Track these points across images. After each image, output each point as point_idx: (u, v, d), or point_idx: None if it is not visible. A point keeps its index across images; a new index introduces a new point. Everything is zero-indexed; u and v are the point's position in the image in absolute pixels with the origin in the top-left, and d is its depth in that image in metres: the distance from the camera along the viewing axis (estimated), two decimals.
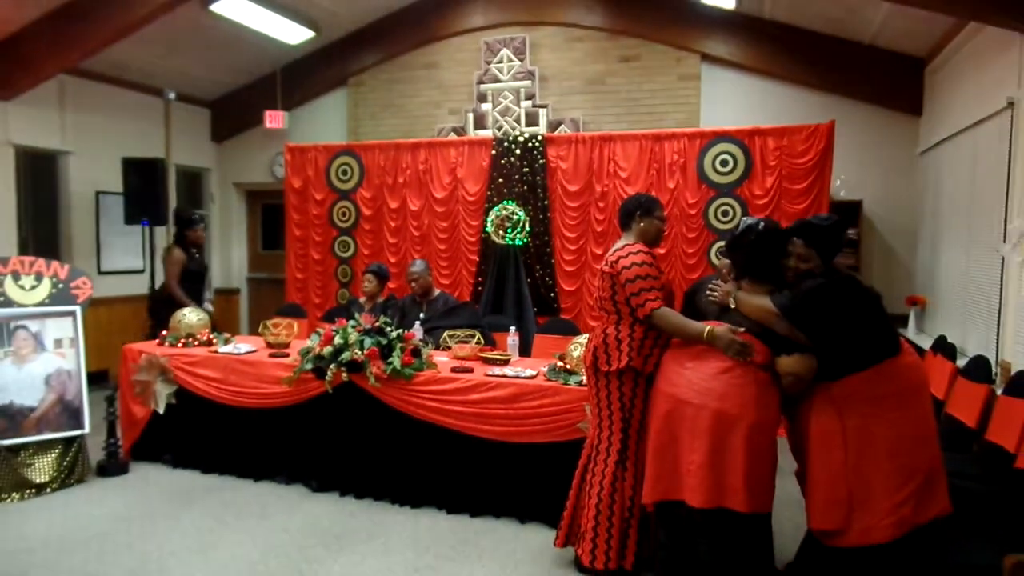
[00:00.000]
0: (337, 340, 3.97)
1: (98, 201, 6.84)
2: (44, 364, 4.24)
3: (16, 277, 4.28)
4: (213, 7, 5.96)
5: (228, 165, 8.35)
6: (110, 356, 5.70)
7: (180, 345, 4.60)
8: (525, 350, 4.95)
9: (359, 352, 3.89)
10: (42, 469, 4.11)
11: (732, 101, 6.55)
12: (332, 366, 3.91)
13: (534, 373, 3.84)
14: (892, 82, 6.17)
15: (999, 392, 3.53)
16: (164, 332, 4.76)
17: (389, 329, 4.08)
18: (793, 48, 6.34)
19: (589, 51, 6.91)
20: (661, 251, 5.52)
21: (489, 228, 6.15)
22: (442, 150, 6.47)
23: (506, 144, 6.19)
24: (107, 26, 5.50)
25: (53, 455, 4.16)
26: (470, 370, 3.93)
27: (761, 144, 5.58)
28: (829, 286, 2.64)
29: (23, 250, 6.14)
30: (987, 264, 4.45)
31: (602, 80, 6.88)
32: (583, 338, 3.81)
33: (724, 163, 5.65)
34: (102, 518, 3.75)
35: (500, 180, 6.20)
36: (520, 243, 6.07)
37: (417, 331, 4.62)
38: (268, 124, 7.41)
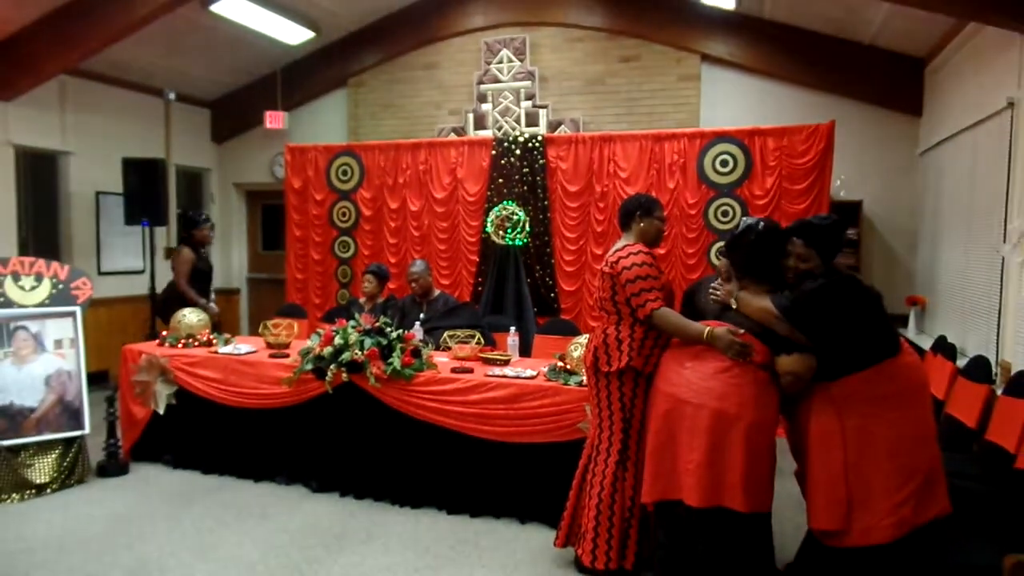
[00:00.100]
0: (337, 340, 3.97)
1: (98, 201, 6.84)
2: (44, 365, 4.24)
3: (16, 278, 4.28)
4: (213, 7, 5.96)
5: (228, 165, 8.35)
6: (110, 356, 5.70)
7: (180, 345, 4.60)
8: (525, 350, 4.95)
9: (359, 352, 3.89)
10: (42, 470, 4.11)
11: (732, 101, 6.56)
12: (332, 366, 3.91)
13: (534, 373, 3.84)
14: (892, 82, 6.17)
15: (999, 392, 3.53)
16: (164, 332, 4.77)
17: (389, 329, 4.08)
18: (793, 48, 6.34)
19: (589, 51, 6.91)
20: (661, 251, 5.53)
21: (489, 228, 6.15)
22: (442, 150, 6.47)
23: (506, 144, 6.19)
24: (107, 26, 5.50)
25: (53, 456, 4.16)
26: (470, 370, 3.93)
27: (761, 144, 5.58)
28: (830, 286, 2.64)
29: (23, 250, 6.14)
30: (987, 264, 4.45)
31: (602, 80, 6.88)
32: (583, 338, 3.81)
33: (724, 163, 5.65)
34: (102, 518, 3.75)
35: (500, 180, 6.20)
36: (520, 243, 6.07)
37: (417, 331, 4.62)
38: (268, 124, 7.41)
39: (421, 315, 4.93)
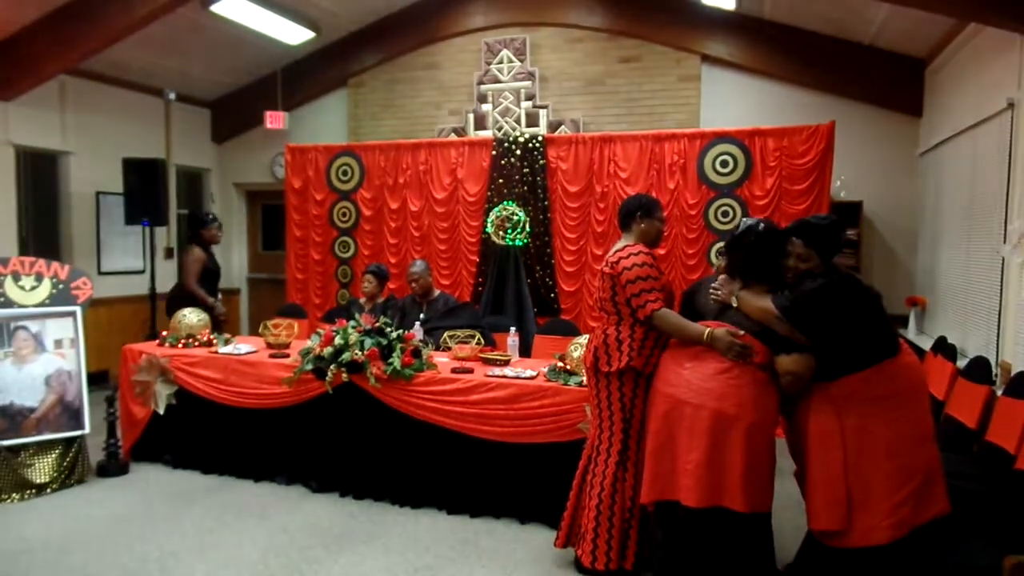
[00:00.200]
0: (337, 341, 3.97)
1: (98, 201, 6.84)
2: (44, 365, 4.24)
3: (16, 277, 4.28)
4: (213, 7, 5.96)
5: (228, 165, 8.35)
6: (110, 356, 5.71)
7: (180, 345, 4.60)
8: (525, 351, 4.95)
9: (359, 353, 3.89)
10: (42, 470, 4.11)
11: (732, 102, 6.56)
12: (332, 367, 3.91)
13: (534, 374, 3.84)
14: (892, 83, 6.18)
15: (999, 393, 3.53)
16: (164, 332, 4.77)
17: (389, 330, 4.08)
18: (793, 49, 6.34)
19: (589, 52, 6.91)
20: (661, 252, 5.53)
21: (489, 229, 6.15)
22: (442, 151, 6.47)
23: (506, 145, 6.19)
24: (107, 26, 5.50)
25: (53, 456, 4.16)
26: (470, 371, 3.93)
27: (761, 145, 5.59)
28: (829, 286, 2.64)
29: (23, 250, 6.14)
30: (987, 265, 4.45)
31: (602, 81, 6.88)
32: (583, 339, 3.81)
33: (724, 164, 5.65)
34: (102, 518, 3.75)
35: (500, 181, 6.20)
36: (520, 244, 6.07)
37: (417, 331, 4.62)
38: (268, 124, 7.41)
39: (421, 315, 4.93)
